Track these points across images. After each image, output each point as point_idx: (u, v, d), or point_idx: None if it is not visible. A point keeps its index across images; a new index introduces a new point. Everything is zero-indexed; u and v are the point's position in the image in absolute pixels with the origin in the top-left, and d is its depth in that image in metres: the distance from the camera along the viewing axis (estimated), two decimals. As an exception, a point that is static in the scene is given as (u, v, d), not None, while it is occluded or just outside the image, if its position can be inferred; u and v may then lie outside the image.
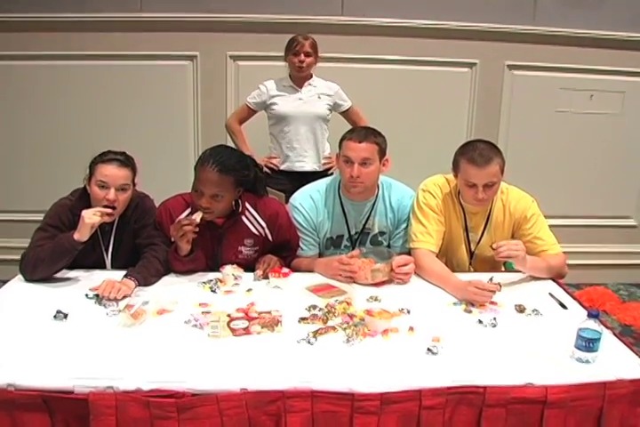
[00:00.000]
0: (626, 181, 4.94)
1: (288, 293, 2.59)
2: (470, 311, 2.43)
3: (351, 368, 1.97)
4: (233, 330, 2.17)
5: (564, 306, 2.51)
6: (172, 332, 2.20)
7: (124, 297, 2.45)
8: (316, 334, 2.17)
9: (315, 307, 2.41)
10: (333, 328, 2.23)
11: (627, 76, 4.63)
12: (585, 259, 4.87)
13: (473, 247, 2.93)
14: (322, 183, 3.02)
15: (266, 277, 2.69)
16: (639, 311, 4.35)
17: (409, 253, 2.87)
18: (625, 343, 2.18)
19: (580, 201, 4.91)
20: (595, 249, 5.02)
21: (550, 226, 2.90)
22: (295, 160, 3.98)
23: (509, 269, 2.91)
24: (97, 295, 2.46)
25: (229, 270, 2.68)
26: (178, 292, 2.55)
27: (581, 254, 4.83)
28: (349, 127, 3.38)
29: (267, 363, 1.99)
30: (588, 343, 2.00)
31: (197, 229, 2.62)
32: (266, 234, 2.84)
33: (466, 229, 2.91)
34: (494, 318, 2.33)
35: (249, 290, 2.60)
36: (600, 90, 4.64)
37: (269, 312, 2.27)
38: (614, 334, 2.24)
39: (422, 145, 4.50)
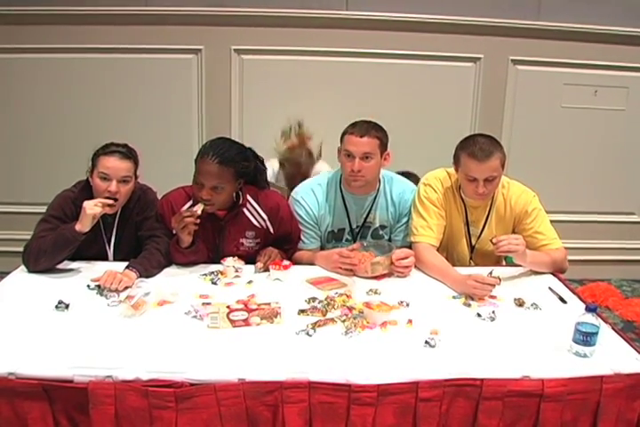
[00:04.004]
0: (630, 177, 4.93)
1: (288, 285, 2.61)
2: (469, 305, 2.44)
3: (349, 360, 1.99)
4: (232, 321, 2.18)
5: (563, 300, 2.52)
6: (172, 323, 2.21)
7: (126, 288, 2.47)
8: (314, 325, 2.19)
9: (314, 299, 2.43)
10: (332, 320, 2.24)
11: (631, 71, 4.61)
12: (588, 255, 4.87)
13: (474, 241, 2.94)
14: (323, 177, 3.03)
15: (266, 269, 2.70)
16: (641, 307, 4.35)
17: (410, 246, 2.87)
18: (623, 337, 2.18)
19: (584, 197, 4.91)
20: (598, 245, 5.02)
21: (554, 221, 2.91)
22: None
23: (510, 263, 2.92)
24: (98, 286, 2.48)
25: (230, 262, 2.70)
26: (179, 283, 2.56)
27: (585, 250, 4.83)
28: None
29: (265, 354, 2.00)
30: (585, 337, 2.01)
31: (198, 221, 2.64)
32: (267, 226, 2.85)
33: (467, 224, 2.92)
34: (493, 312, 2.34)
35: (249, 282, 2.62)
36: (604, 85, 4.63)
37: (269, 304, 2.28)
38: (612, 328, 2.24)
39: (426, 139, 4.50)
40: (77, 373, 1.85)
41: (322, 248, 3.02)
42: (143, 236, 2.82)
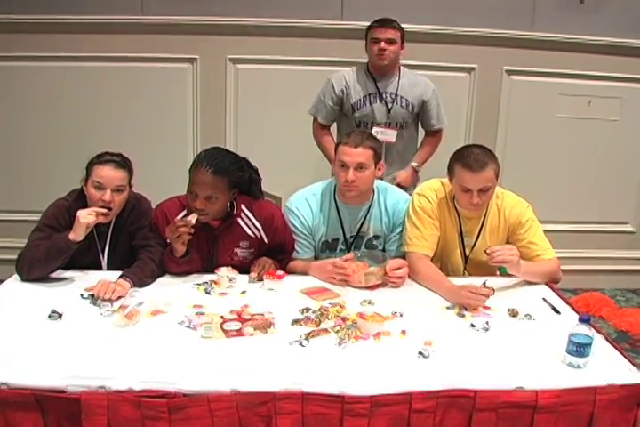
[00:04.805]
0: (623, 187, 4.94)
1: (282, 295, 2.60)
2: (463, 315, 2.44)
3: (342, 371, 1.99)
4: (226, 332, 2.18)
5: (557, 311, 2.52)
6: (165, 333, 2.21)
7: (119, 298, 2.47)
8: (308, 336, 2.19)
9: (308, 309, 2.42)
10: (326, 331, 2.24)
11: (624, 82, 4.63)
12: (582, 264, 4.87)
13: (468, 252, 2.94)
14: (317, 187, 3.03)
15: (260, 279, 2.70)
16: (635, 317, 4.34)
17: (404, 256, 2.88)
18: (616, 348, 2.19)
19: (578, 206, 4.91)
20: (592, 255, 5.01)
21: (548, 231, 2.91)
22: None
23: (504, 273, 2.92)
24: (92, 296, 2.47)
25: (224, 272, 2.69)
26: (172, 293, 2.56)
27: (578, 260, 4.83)
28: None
29: (258, 364, 2.00)
30: (579, 348, 2.01)
31: (193, 231, 2.63)
32: (261, 236, 2.85)
33: (461, 234, 2.92)
34: (487, 323, 2.34)
35: (243, 292, 2.62)
36: (598, 96, 4.65)
37: (262, 314, 2.28)
38: (606, 339, 2.24)
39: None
40: (70, 383, 1.84)
41: (316, 258, 3.02)
42: (137, 245, 2.81)
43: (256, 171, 2.91)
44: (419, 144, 3.96)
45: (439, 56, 4.45)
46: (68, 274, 2.73)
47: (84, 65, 4.38)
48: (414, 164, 3.86)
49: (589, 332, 2.02)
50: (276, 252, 2.91)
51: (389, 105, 3.73)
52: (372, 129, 3.68)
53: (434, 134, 3.92)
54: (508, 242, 2.87)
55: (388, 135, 3.73)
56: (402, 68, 3.82)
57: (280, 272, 2.71)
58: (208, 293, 2.61)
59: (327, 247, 3.03)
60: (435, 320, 2.40)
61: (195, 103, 4.50)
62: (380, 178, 3.02)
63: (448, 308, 2.53)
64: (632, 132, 4.77)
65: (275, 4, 4.34)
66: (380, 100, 3.73)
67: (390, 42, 3.63)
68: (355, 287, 2.70)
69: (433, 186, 2.93)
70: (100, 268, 2.84)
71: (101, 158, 2.71)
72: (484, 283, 2.52)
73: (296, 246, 2.96)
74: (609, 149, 4.80)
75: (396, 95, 3.74)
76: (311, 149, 4.02)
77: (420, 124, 3.91)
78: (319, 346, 2.14)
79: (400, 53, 3.73)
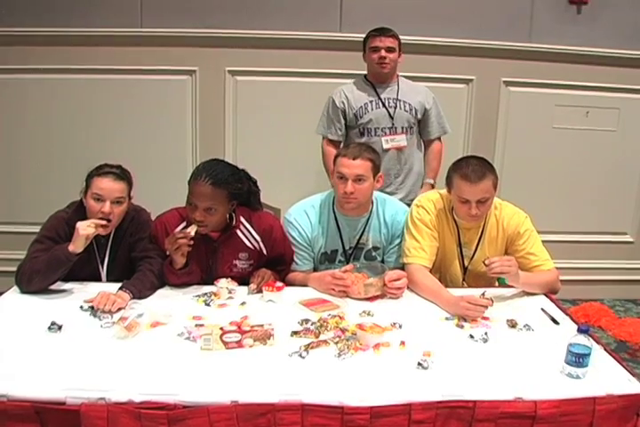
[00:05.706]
0: (622, 198, 4.95)
1: (281, 306, 2.61)
2: (462, 326, 2.44)
3: (342, 382, 1.98)
4: (225, 343, 2.18)
5: (555, 321, 2.52)
6: (165, 344, 2.21)
7: (119, 309, 2.47)
8: (307, 347, 2.19)
9: (307, 321, 2.42)
10: (325, 342, 2.24)
11: (621, 92, 4.66)
12: (581, 275, 4.88)
13: (466, 263, 2.95)
14: (316, 198, 3.04)
15: (260, 290, 2.70)
16: (635, 327, 4.33)
17: (403, 268, 2.88)
18: (615, 358, 2.18)
19: (577, 217, 4.92)
20: (591, 265, 5.02)
21: (546, 242, 2.92)
22: None
23: (502, 284, 2.92)
24: (92, 307, 2.47)
25: (224, 284, 2.70)
26: (172, 305, 2.56)
27: (577, 270, 4.83)
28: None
29: (258, 376, 2.00)
30: (578, 359, 2.01)
31: (192, 243, 2.64)
32: (260, 248, 2.85)
33: (459, 245, 2.92)
34: (485, 333, 2.34)
35: (243, 304, 2.62)
36: (595, 106, 4.67)
37: (262, 326, 2.28)
38: (605, 349, 2.24)
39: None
40: (70, 395, 1.84)
41: (315, 270, 3.02)
42: (136, 257, 2.82)
43: (255, 182, 2.92)
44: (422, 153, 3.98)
45: (437, 68, 4.48)
46: (67, 286, 2.73)
47: (83, 77, 4.39)
48: (430, 180, 3.90)
49: (588, 342, 2.02)
50: (275, 263, 2.92)
51: (391, 110, 3.75)
52: (376, 136, 3.71)
53: (435, 144, 3.94)
54: (506, 253, 2.88)
55: (398, 141, 3.78)
56: (399, 76, 3.84)
57: (279, 284, 2.70)
58: (208, 304, 2.60)
59: (326, 259, 3.03)
60: (434, 331, 2.40)
61: (194, 115, 4.52)
62: (380, 189, 3.03)
63: (447, 319, 2.53)
64: (630, 142, 4.79)
65: (273, 16, 4.37)
66: (382, 106, 3.75)
67: (390, 50, 3.68)
68: (354, 299, 2.70)
69: (431, 197, 2.94)
70: (99, 279, 2.84)
71: (101, 170, 2.72)
72: (483, 294, 2.52)
73: (295, 258, 2.96)
74: (607, 160, 4.82)
75: (398, 100, 3.77)
76: (310, 160, 4.04)
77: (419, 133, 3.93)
78: (318, 357, 2.14)
79: (398, 62, 3.76)
